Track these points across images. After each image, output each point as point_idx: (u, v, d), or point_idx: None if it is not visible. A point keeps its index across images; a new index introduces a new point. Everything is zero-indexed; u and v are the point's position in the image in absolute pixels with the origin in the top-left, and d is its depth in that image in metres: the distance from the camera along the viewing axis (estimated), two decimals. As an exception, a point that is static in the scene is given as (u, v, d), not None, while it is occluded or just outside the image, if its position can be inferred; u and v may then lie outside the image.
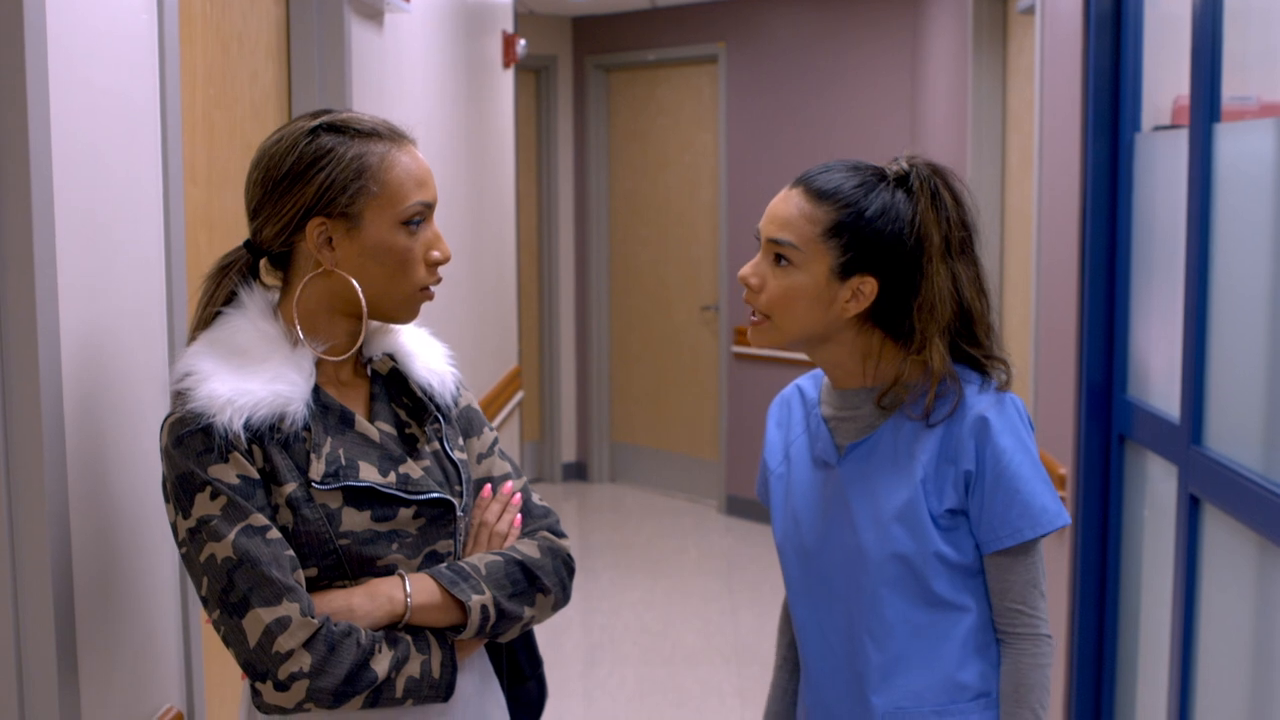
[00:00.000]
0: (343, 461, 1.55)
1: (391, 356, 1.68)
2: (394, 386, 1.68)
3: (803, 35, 6.69)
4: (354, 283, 1.57)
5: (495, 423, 4.44)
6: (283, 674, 1.46)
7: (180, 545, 1.50)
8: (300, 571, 1.51)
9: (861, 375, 1.82)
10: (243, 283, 1.60)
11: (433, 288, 1.63)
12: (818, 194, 1.77)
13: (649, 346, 7.61)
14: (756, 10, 6.83)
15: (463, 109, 4.20)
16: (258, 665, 1.47)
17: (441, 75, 3.86)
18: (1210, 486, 2.38)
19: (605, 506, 7.39)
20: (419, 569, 1.60)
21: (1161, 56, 2.86)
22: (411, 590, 1.56)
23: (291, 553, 1.50)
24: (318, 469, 1.53)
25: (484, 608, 1.58)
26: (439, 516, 1.62)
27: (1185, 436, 2.48)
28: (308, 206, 1.55)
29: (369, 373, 1.67)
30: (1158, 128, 2.85)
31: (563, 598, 1.67)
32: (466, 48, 4.31)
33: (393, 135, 1.60)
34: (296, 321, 1.58)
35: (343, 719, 1.55)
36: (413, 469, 1.61)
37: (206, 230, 2.12)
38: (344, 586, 1.56)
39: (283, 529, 1.52)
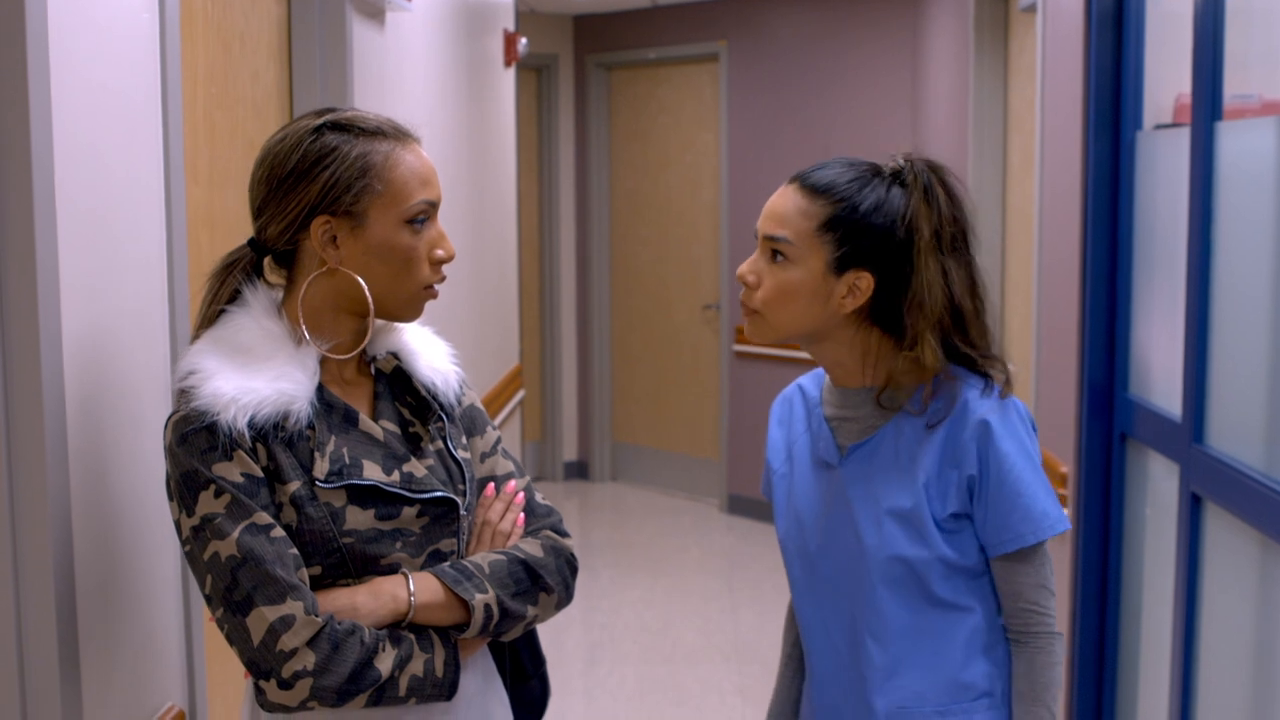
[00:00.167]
0: (347, 460, 1.55)
1: (395, 355, 1.68)
2: (398, 385, 1.67)
3: (804, 34, 6.70)
4: (360, 281, 1.57)
5: (496, 422, 4.43)
6: (286, 672, 1.46)
7: (184, 543, 1.50)
8: (304, 570, 1.51)
9: (861, 374, 1.82)
10: (247, 281, 1.60)
11: (436, 286, 1.63)
12: (813, 189, 1.76)
13: (650, 345, 7.61)
14: (758, 9, 6.83)
15: (464, 108, 4.20)
16: (261, 664, 1.47)
17: (443, 74, 3.85)
18: (1212, 485, 2.38)
19: (606, 505, 7.39)
20: (422, 568, 1.60)
21: (1163, 55, 2.86)
22: (415, 589, 1.56)
23: (295, 551, 1.50)
24: (322, 467, 1.53)
25: (487, 607, 1.58)
26: (442, 515, 1.62)
27: (1187, 435, 2.48)
28: (312, 205, 1.55)
29: (373, 371, 1.67)
30: (1159, 126, 2.85)
31: (566, 597, 1.67)
32: (468, 46, 4.31)
33: (397, 134, 1.60)
34: (301, 320, 1.58)
35: (346, 718, 1.55)
36: (416, 468, 1.61)
37: (208, 230, 2.12)
38: (348, 585, 1.56)
39: (286, 527, 1.52)
